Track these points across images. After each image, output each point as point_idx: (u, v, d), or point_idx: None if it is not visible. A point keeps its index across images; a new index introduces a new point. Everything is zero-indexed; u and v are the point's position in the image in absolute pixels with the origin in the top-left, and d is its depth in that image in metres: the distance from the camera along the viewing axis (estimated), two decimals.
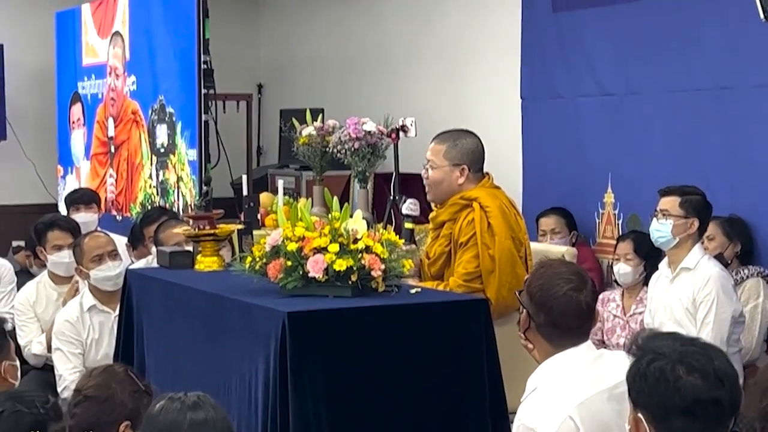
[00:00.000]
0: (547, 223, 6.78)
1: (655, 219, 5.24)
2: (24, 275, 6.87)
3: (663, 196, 5.26)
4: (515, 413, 3.42)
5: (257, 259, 4.09)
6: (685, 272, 5.20)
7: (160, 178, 8.13)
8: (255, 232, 5.91)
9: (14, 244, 8.18)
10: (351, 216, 4.07)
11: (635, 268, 5.96)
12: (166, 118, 7.99)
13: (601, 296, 6.11)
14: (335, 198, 4.27)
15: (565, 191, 6.96)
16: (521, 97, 7.31)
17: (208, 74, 7.30)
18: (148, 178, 8.32)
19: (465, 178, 4.89)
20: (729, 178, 5.96)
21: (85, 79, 9.29)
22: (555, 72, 7.04)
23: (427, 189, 5.00)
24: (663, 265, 5.36)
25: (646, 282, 5.75)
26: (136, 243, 6.62)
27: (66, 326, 5.64)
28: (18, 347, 5.85)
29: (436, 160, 4.93)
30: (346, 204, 4.16)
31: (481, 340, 3.99)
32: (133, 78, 8.52)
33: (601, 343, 6.01)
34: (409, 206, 5.14)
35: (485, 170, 4.99)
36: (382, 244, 4.02)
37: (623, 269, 6.01)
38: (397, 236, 4.18)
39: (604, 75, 6.72)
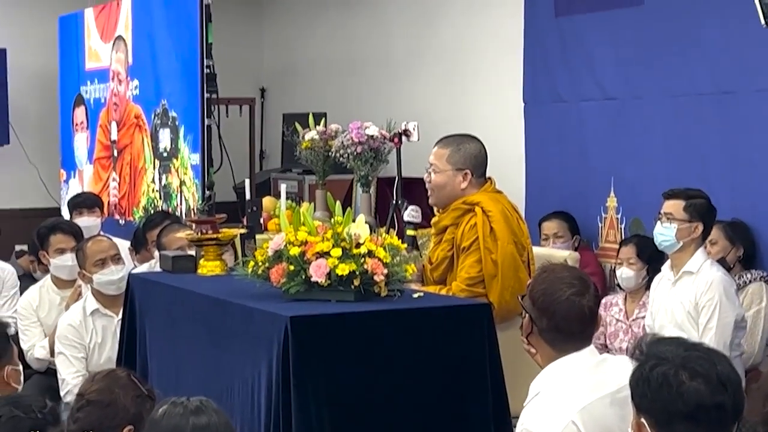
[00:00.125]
0: (550, 227, 6.78)
1: (659, 222, 5.23)
2: (27, 279, 6.87)
3: (667, 199, 5.25)
4: (518, 418, 3.42)
5: (260, 264, 4.09)
6: (688, 276, 5.19)
7: (163, 182, 8.13)
8: (258, 237, 5.91)
9: (17, 248, 8.19)
10: (354, 220, 4.07)
11: (638, 272, 5.96)
12: (169, 123, 7.99)
13: (603, 300, 6.11)
14: (338, 202, 4.27)
15: (567, 195, 6.96)
16: (524, 101, 7.31)
17: (211, 78, 7.29)
18: (150, 183, 8.32)
19: (467, 182, 4.89)
20: (731, 182, 5.96)
21: (88, 83, 9.29)
22: (557, 76, 7.04)
23: (429, 193, 5.00)
24: (665, 267, 5.35)
25: (648, 286, 5.73)
26: (138, 247, 6.62)
27: (69, 330, 5.64)
28: (21, 351, 5.86)
29: (438, 164, 4.93)
30: (348, 208, 4.15)
31: (484, 345, 3.99)
32: (136, 82, 8.52)
33: (604, 348, 6.01)
34: (411, 213, 5.14)
35: (488, 175, 4.99)
36: (384, 248, 4.01)
37: (626, 273, 6.00)
38: (400, 241, 4.18)
39: (607, 79, 6.72)
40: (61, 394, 5.55)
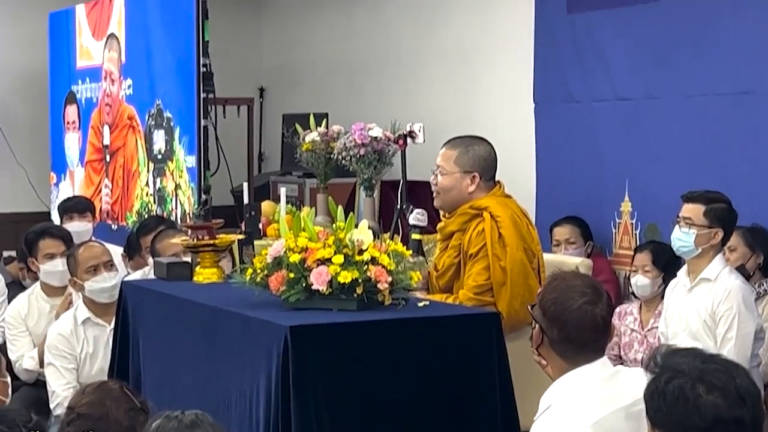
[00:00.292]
0: (562, 232, 6.78)
1: (677, 226, 5.21)
2: (16, 287, 6.88)
3: (686, 202, 5.22)
4: None
5: (258, 271, 4.10)
6: (705, 283, 5.18)
7: (158, 185, 8.14)
8: (256, 243, 5.91)
9: (5, 254, 8.21)
10: (356, 226, 4.07)
11: (653, 280, 5.96)
12: (164, 124, 8.00)
13: (617, 309, 6.11)
14: (340, 207, 4.27)
15: (580, 200, 6.96)
16: (534, 102, 7.31)
17: (208, 77, 7.30)
18: (144, 186, 8.33)
19: (476, 186, 4.89)
20: (751, 186, 5.95)
21: (80, 82, 9.31)
22: (569, 75, 7.04)
23: (434, 195, 5.00)
24: (682, 273, 5.34)
25: (664, 295, 5.74)
26: (132, 253, 6.63)
27: (59, 340, 5.64)
28: (9, 362, 5.87)
29: (446, 166, 4.93)
30: (351, 213, 4.16)
31: (493, 356, 3.99)
32: (129, 82, 8.53)
33: (618, 359, 6.01)
34: (417, 216, 5.14)
35: (497, 178, 4.99)
36: (388, 255, 4.02)
37: (641, 281, 6.00)
38: (405, 247, 4.18)
39: (621, 78, 6.72)
40: (51, 406, 5.56)
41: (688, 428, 2.68)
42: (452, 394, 3.92)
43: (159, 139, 8.09)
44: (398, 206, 6.09)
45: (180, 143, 7.76)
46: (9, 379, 5.28)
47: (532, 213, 6.07)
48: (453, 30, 8.10)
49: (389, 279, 3.97)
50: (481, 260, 4.75)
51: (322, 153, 6.68)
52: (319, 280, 3.93)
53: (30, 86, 9.82)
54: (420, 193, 6.20)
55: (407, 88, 8.50)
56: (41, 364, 5.85)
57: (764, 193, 5.92)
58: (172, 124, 7.89)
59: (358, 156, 6.30)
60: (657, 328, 5.82)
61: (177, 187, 7.85)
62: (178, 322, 4.52)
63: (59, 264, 6.16)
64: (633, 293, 6.16)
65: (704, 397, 2.67)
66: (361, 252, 3.98)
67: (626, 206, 6.73)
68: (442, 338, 3.95)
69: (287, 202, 6.19)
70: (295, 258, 3.98)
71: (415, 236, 5.12)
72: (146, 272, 6.02)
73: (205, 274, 4.81)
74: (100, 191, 8.97)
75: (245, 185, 6.83)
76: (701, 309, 5.15)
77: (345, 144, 6.35)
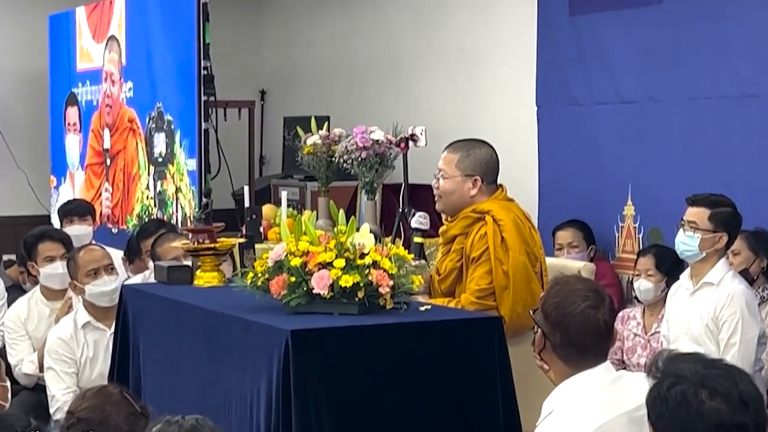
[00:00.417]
0: (564, 236, 6.78)
1: (681, 230, 5.21)
2: (16, 291, 6.88)
3: (691, 205, 5.21)
4: None
5: (259, 275, 4.09)
6: (708, 287, 5.18)
7: (158, 189, 8.14)
8: (257, 246, 5.92)
9: (5, 257, 8.20)
10: (358, 229, 4.07)
11: (657, 284, 5.96)
12: (165, 127, 8.00)
13: (620, 314, 6.11)
14: (341, 210, 4.27)
15: (582, 203, 6.96)
16: (537, 105, 7.32)
17: (209, 80, 7.30)
18: (145, 189, 8.33)
19: (477, 189, 4.89)
20: (754, 190, 5.95)
21: (80, 85, 9.31)
22: (572, 78, 7.04)
23: (436, 199, 5.00)
24: (684, 276, 5.34)
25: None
26: (132, 257, 6.63)
27: (59, 344, 5.64)
28: (8, 367, 5.87)
29: (447, 169, 4.93)
30: (352, 217, 4.16)
31: (495, 360, 3.99)
32: (129, 84, 8.54)
33: (621, 363, 6.01)
34: (419, 219, 5.14)
35: (499, 181, 4.99)
36: (390, 259, 4.02)
37: (644, 286, 6.00)
38: (407, 251, 4.18)
39: (624, 81, 6.72)
40: (51, 411, 5.55)
41: None
42: (454, 398, 3.92)
43: (159, 142, 8.09)
44: (400, 210, 6.09)
45: (181, 146, 7.76)
46: (8, 384, 5.29)
47: (534, 216, 6.07)
48: (455, 32, 8.11)
49: (391, 283, 3.97)
50: (484, 264, 4.75)
51: (323, 156, 6.68)
52: (320, 284, 3.93)
53: (30, 89, 9.82)
54: (422, 196, 6.20)
55: (409, 91, 8.51)
56: (41, 368, 5.85)
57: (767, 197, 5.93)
58: (172, 127, 7.89)
59: (359, 159, 6.30)
60: (660, 332, 5.83)
61: (178, 190, 7.85)
62: (178, 326, 4.52)
63: (59, 267, 6.16)
64: (636, 297, 6.15)
65: (707, 403, 2.66)
66: (362, 256, 3.98)
67: (629, 210, 6.73)
68: (444, 342, 3.95)
69: (288, 206, 6.20)
70: (296, 262, 3.98)
71: (416, 240, 5.11)
72: (146, 276, 6.02)
73: (205, 278, 4.81)
74: (101, 194, 8.97)
75: (246, 189, 6.83)
76: (704, 313, 5.15)
77: (346, 147, 6.35)
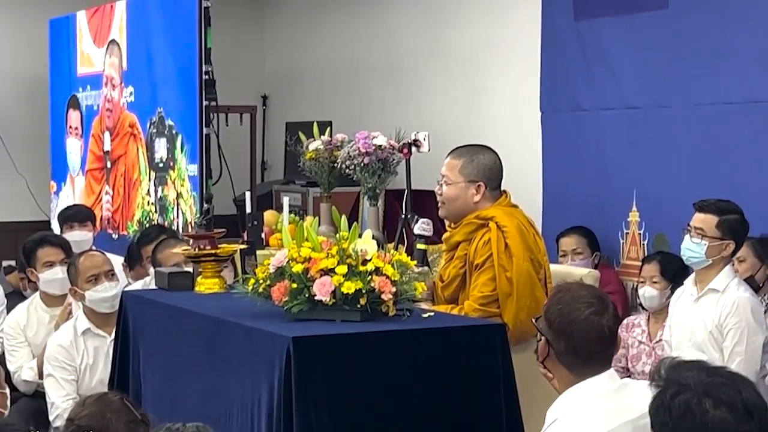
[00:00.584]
0: (568, 243, 6.78)
1: (687, 236, 5.20)
2: (15, 297, 6.89)
3: (698, 211, 5.19)
4: None
5: (261, 281, 4.10)
6: (713, 294, 5.18)
7: (159, 194, 8.15)
8: (258, 253, 5.93)
9: (5, 263, 8.21)
10: (360, 236, 4.08)
11: (661, 291, 5.96)
12: (166, 132, 8.01)
13: (625, 321, 6.11)
14: (343, 216, 4.28)
15: (587, 209, 6.96)
16: (541, 110, 7.32)
17: (210, 85, 7.32)
18: (145, 195, 8.34)
19: (481, 195, 4.89)
20: (760, 196, 5.95)
21: (80, 89, 9.32)
22: (576, 83, 7.04)
23: (439, 205, 5.00)
24: (689, 282, 5.33)
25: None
26: (133, 263, 6.64)
27: (59, 351, 5.65)
28: (8, 373, 5.88)
29: (450, 175, 4.93)
30: (355, 223, 4.17)
31: (498, 368, 3.99)
32: (130, 89, 8.55)
33: (626, 371, 6.01)
34: (422, 226, 5.15)
35: (502, 187, 4.99)
36: (392, 265, 4.02)
37: (649, 293, 6.00)
38: (409, 257, 4.19)
39: (629, 87, 6.73)
40: (50, 418, 5.56)
41: None
42: (457, 406, 3.92)
43: (160, 147, 8.10)
44: (403, 216, 6.09)
45: (182, 152, 7.77)
46: (8, 391, 5.29)
47: (538, 223, 6.08)
48: (458, 37, 8.11)
49: (393, 290, 3.97)
50: (487, 271, 4.75)
51: (325, 162, 6.68)
52: (322, 290, 3.94)
53: (30, 94, 9.83)
54: (425, 202, 6.20)
55: (412, 96, 8.51)
56: (40, 375, 5.86)
57: None
58: (173, 132, 7.90)
59: (362, 165, 6.30)
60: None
61: (179, 196, 7.86)
62: (179, 333, 4.52)
63: (59, 272, 6.17)
64: (641, 305, 6.15)
65: (711, 413, 2.66)
66: (365, 262, 3.98)
67: (634, 216, 6.73)
68: (447, 350, 3.95)
69: (290, 212, 6.18)
70: (298, 268, 3.98)
71: (419, 246, 5.12)
72: (147, 282, 6.02)
73: (206, 285, 4.81)
74: (101, 200, 8.98)
75: (248, 194, 6.84)
76: (708, 320, 5.14)
77: (349, 153, 6.35)
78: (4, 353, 6.18)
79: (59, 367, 5.63)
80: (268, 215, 6.92)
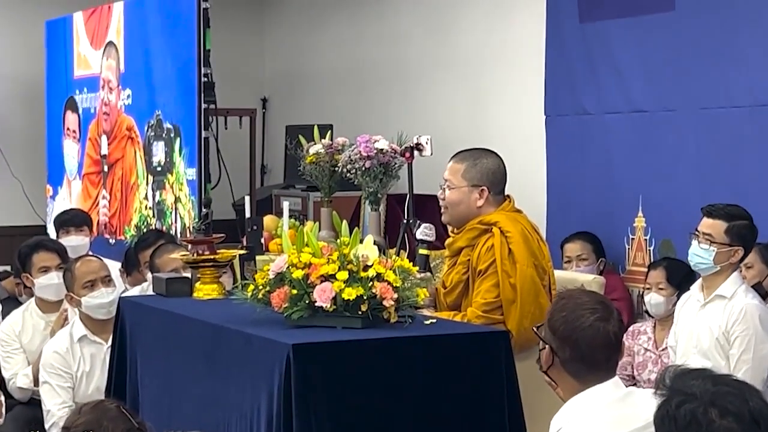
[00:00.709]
0: (573, 249, 6.78)
1: (695, 241, 5.18)
2: (11, 303, 6.89)
3: (707, 216, 5.18)
4: None
5: (260, 287, 4.10)
6: (720, 300, 5.17)
7: (157, 198, 8.15)
8: (258, 258, 5.93)
9: (0, 269, 8.21)
10: (361, 241, 4.08)
11: (668, 298, 5.96)
12: (164, 135, 8.01)
13: (631, 328, 6.12)
14: (344, 221, 4.28)
15: (592, 215, 6.96)
16: (545, 114, 7.32)
17: (209, 88, 7.32)
18: (143, 199, 8.34)
19: (484, 200, 4.89)
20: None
21: (77, 92, 9.32)
22: (581, 86, 7.04)
23: (442, 210, 5.01)
24: (695, 287, 5.33)
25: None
26: (130, 268, 6.64)
27: (55, 358, 5.65)
28: (2, 381, 5.88)
29: (453, 180, 4.93)
30: (356, 228, 4.16)
31: (501, 376, 3.99)
32: (128, 91, 8.55)
33: (632, 379, 6.01)
34: (424, 231, 5.14)
35: (506, 192, 4.99)
36: (394, 271, 4.02)
37: (655, 299, 6.00)
38: (411, 263, 4.19)
39: (635, 90, 6.73)
40: (46, 426, 5.56)
41: None
42: (459, 414, 3.92)
43: (158, 150, 8.10)
44: (405, 221, 6.09)
45: (180, 155, 7.77)
46: (2, 398, 5.29)
47: (542, 228, 6.07)
48: (461, 39, 8.11)
49: (395, 296, 3.97)
50: (491, 277, 4.75)
51: (326, 166, 6.68)
52: (322, 296, 3.94)
53: (26, 97, 9.84)
54: (427, 207, 6.20)
55: (414, 100, 8.52)
56: (36, 382, 5.85)
57: None
58: (172, 135, 7.90)
59: (363, 169, 6.30)
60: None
61: (177, 200, 7.86)
62: (177, 340, 4.52)
63: (54, 277, 6.17)
64: (646, 311, 6.15)
65: (717, 423, 2.65)
66: (366, 268, 3.98)
67: (640, 222, 6.73)
68: (450, 357, 3.95)
69: (290, 216, 6.21)
70: (298, 274, 3.98)
71: (422, 252, 5.11)
72: (145, 288, 6.02)
73: (205, 290, 4.81)
74: (98, 204, 8.98)
75: (247, 199, 6.85)
76: (714, 326, 5.14)
77: (350, 156, 6.36)
78: None
79: (55, 374, 5.63)
80: (268, 220, 6.93)
